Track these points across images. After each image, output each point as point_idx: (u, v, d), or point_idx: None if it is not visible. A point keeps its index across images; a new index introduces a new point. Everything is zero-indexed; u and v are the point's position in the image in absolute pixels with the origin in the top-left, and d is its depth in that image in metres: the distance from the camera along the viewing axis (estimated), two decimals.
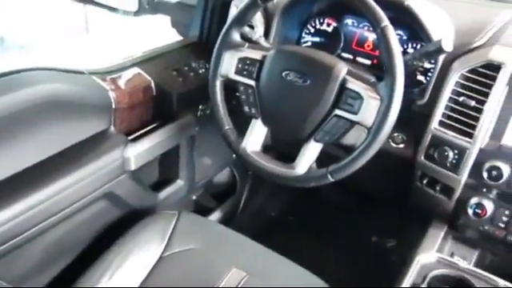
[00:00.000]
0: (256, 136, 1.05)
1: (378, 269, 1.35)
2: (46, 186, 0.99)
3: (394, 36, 0.89)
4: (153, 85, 1.22)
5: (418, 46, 1.15)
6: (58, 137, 1.01)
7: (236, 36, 1.06)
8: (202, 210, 1.57)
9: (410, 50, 1.17)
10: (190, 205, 1.56)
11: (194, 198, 1.57)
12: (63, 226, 1.08)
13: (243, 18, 1.05)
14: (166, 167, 1.38)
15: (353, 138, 1.02)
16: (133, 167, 1.16)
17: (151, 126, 1.24)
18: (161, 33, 1.58)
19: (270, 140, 1.13)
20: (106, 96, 1.11)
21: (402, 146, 1.14)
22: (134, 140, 1.18)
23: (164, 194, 1.35)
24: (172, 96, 1.24)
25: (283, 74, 0.98)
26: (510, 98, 0.97)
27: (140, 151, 1.17)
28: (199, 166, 1.45)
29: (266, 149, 1.10)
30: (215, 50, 1.07)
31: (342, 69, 0.95)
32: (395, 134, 1.14)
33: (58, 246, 1.11)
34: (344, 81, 0.94)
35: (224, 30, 1.06)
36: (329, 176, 0.96)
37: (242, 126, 1.08)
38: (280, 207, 1.84)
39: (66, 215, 1.06)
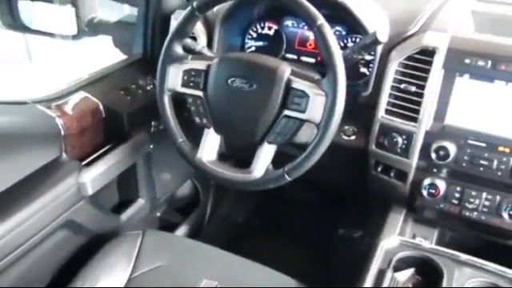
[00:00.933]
0: (210, 145, 1.06)
1: (347, 260, 1.38)
2: (1, 223, 0.96)
3: (330, 33, 0.91)
4: (101, 107, 1.20)
5: (357, 40, 1.19)
6: (7, 171, 0.98)
7: (178, 49, 1.06)
8: (168, 226, 1.56)
9: (350, 45, 1.20)
10: (155, 222, 1.55)
11: (158, 214, 1.56)
12: (25, 261, 1.05)
13: (183, 31, 1.06)
14: (125, 188, 1.36)
15: (305, 135, 1.04)
16: (90, 192, 1.14)
17: (105, 149, 1.22)
18: (106, 53, 1.56)
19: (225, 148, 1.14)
20: (54, 123, 1.09)
21: (353, 137, 1.16)
22: (88, 164, 1.16)
23: (126, 214, 1.33)
24: (122, 116, 1.23)
25: (229, 81, 0.99)
26: (446, 80, 1.02)
27: (95, 175, 1.15)
28: (159, 182, 1.44)
29: (224, 156, 1.10)
30: (159, 64, 1.07)
31: (286, 70, 0.96)
32: (346, 127, 1.16)
33: (22, 281, 1.08)
34: (289, 81, 0.96)
35: (165, 44, 1.06)
36: (286, 176, 0.97)
37: (196, 137, 1.08)
38: (246, 212, 1.85)
39: (26, 249, 1.03)
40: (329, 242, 1.70)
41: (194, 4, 1.02)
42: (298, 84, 0.95)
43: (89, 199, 1.16)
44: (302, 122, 0.96)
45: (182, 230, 1.60)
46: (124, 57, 1.45)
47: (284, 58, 1.28)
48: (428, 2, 1.21)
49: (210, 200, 1.74)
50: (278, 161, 1.01)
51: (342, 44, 1.22)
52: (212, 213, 1.76)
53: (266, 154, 0.99)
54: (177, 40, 1.06)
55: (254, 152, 1.01)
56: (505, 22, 1.14)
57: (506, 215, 1.02)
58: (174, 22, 1.27)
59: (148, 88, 1.31)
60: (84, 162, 1.16)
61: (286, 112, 0.96)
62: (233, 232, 1.77)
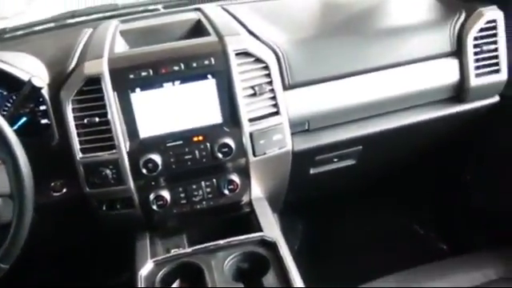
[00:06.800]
0: None
1: None
2: None
3: None
4: None
5: None
6: None
7: None
8: None
9: None
10: None
11: None
12: None
13: None
14: None
15: (8, 212, 0.92)
16: None
17: None
18: None
19: None
20: None
21: (65, 190, 1.10)
22: None
23: None
24: None
25: None
26: (122, 100, 1.04)
27: None
28: None
29: None
30: None
31: None
32: (53, 184, 1.10)
33: None
34: None
35: None
36: (1, 265, 0.84)
37: None
38: None
39: None
40: None
41: None
42: None
43: None
44: None
45: None
46: None
47: None
48: (77, 35, 1.22)
49: None
50: None
51: (9, 104, 1.12)
52: None
53: None
54: None
55: None
56: (151, 32, 1.23)
57: (227, 192, 1.13)
58: None
59: None
60: None
61: None
62: None
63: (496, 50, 1.27)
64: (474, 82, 1.27)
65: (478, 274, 1.16)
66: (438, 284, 1.14)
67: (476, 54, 1.26)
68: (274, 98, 1.11)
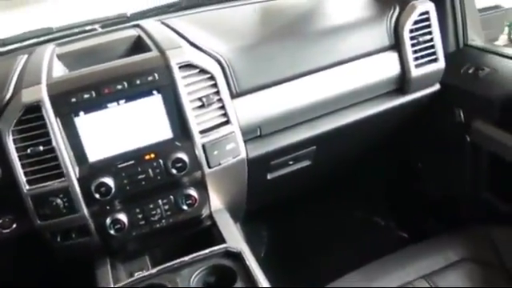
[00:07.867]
0: None
1: None
2: None
3: None
4: None
5: None
6: None
7: None
8: None
9: None
10: None
11: None
12: None
13: None
14: None
15: None
16: None
17: None
18: None
19: None
20: None
21: (14, 225, 1.05)
22: None
23: None
24: None
25: None
26: (66, 125, 1.00)
27: None
28: None
29: None
30: None
31: None
32: (1, 221, 1.04)
33: None
34: None
35: None
36: None
37: None
38: None
39: None
40: None
41: None
42: None
43: None
44: None
45: None
46: None
47: None
48: (11, 63, 1.17)
49: None
50: None
51: None
52: None
53: None
54: None
55: None
56: (90, 53, 1.20)
57: (185, 207, 1.11)
58: None
59: None
60: None
61: None
62: None
63: (431, 40, 1.32)
64: (415, 72, 1.32)
65: (440, 258, 1.20)
66: (402, 273, 1.17)
67: (413, 45, 1.30)
68: (222, 107, 1.10)
